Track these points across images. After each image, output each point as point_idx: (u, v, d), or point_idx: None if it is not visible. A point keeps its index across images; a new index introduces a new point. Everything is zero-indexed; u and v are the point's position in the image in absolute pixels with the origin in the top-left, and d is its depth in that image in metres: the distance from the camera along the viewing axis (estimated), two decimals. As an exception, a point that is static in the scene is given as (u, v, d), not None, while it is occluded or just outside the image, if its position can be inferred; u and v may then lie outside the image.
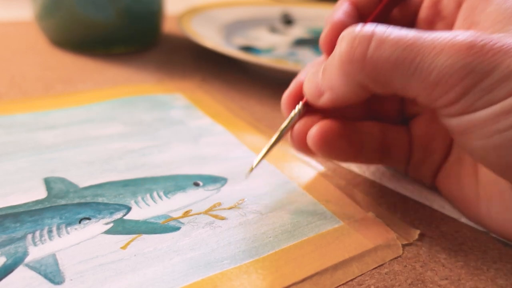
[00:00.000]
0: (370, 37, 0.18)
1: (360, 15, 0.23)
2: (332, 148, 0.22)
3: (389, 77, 0.18)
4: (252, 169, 0.22)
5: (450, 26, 0.22)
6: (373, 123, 0.24)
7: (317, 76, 0.21)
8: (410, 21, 0.24)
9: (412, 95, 0.18)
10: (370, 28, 0.18)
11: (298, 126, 0.22)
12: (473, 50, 0.16)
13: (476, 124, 0.17)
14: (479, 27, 0.19)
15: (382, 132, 0.24)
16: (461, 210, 0.23)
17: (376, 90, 0.19)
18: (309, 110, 0.22)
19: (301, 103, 0.22)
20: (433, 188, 0.24)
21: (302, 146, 0.22)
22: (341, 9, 0.23)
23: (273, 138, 0.22)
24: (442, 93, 0.17)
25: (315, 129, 0.21)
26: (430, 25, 0.23)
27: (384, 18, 0.23)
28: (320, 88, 0.21)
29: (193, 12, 0.49)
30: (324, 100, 0.21)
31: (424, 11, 0.23)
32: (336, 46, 0.19)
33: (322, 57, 0.24)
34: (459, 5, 0.21)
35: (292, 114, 0.22)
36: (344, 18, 0.22)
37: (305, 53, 0.47)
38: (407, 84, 0.18)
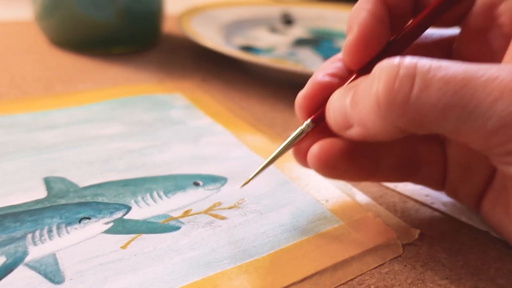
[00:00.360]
0: (412, 76, 0.15)
1: (391, 15, 0.20)
2: (335, 170, 0.20)
3: (436, 123, 0.16)
4: (248, 182, 0.22)
5: (506, 37, 0.19)
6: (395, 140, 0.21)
7: (344, 102, 0.18)
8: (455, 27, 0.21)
9: (462, 141, 0.16)
10: (411, 63, 0.16)
11: (302, 142, 0.20)
12: None
13: None
14: None
15: (408, 147, 0.21)
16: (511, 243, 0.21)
17: (418, 133, 0.17)
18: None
19: (309, 120, 0.20)
20: (478, 214, 0.22)
21: (305, 164, 0.20)
22: (368, 8, 0.19)
23: (274, 154, 0.21)
24: (502, 143, 0.15)
25: (315, 149, 0.19)
26: (480, 33, 0.20)
27: (425, 25, 0.20)
28: (348, 119, 0.18)
29: (193, 12, 0.49)
30: (352, 134, 0.18)
31: (475, 17, 0.20)
32: (371, 79, 0.17)
33: (339, 56, 0.21)
34: None
35: (298, 131, 0.20)
36: (372, 22, 0.19)
37: (305, 53, 0.47)
38: (457, 130, 0.16)
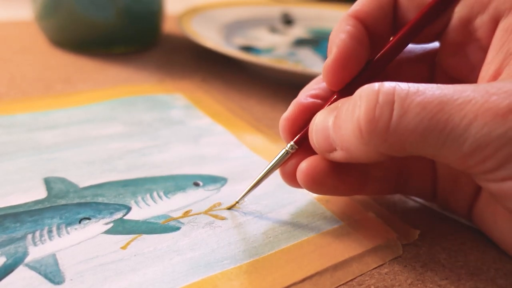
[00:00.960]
0: (391, 103, 0.16)
1: (371, 35, 0.21)
2: (324, 186, 0.20)
3: (416, 148, 0.16)
4: (236, 203, 0.22)
5: (483, 50, 0.19)
6: None
7: (327, 125, 0.18)
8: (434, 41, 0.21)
9: (442, 162, 0.17)
10: (390, 89, 0.16)
11: (289, 161, 0.20)
12: (511, 116, 0.15)
13: None
14: None
15: (397, 162, 0.22)
16: (502, 248, 0.21)
17: (400, 156, 0.17)
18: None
19: (292, 142, 0.20)
20: (470, 221, 0.22)
21: (294, 182, 0.20)
22: (346, 30, 0.20)
23: (259, 176, 0.21)
24: (478, 163, 0.16)
25: (303, 166, 0.19)
26: (459, 47, 0.20)
27: (405, 43, 0.20)
28: (331, 142, 0.18)
29: (193, 12, 0.49)
30: (335, 157, 0.18)
31: (452, 32, 0.20)
32: (352, 105, 0.17)
33: (321, 77, 0.21)
34: (495, 25, 0.18)
35: (282, 152, 0.20)
36: (350, 43, 0.20)
37: (305, 53, 0.47)
38: (436, 153, 0.16)
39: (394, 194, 0.23)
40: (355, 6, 0.21)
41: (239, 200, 0.22)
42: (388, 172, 0.22)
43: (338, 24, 0.21)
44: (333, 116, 0.18)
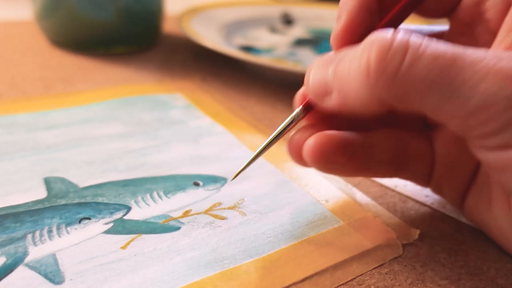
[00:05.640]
0: (405, 50, 0.16)
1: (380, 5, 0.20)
2: (330, 163, 0.19)
3: (420, 98, 0.16)
4: (237, 174, 0.21)
5: (491, 33, 0.19)
6: (387, 133, 0.21)
7: (326, 69, 0.18)
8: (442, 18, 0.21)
9: (443, 119, 0.16)
10: (404, 38, 0.16)
11: (296, 136, 0.20)
12: None
13: None
14: None
15: (399, 143, 0.21)
16: (495, 241, 0.21)
17: (400, 108, 0.17)
18: (312, 115, 0.20)
19: (301, 106, 0.20)
20: (462, 213, 0.22)
21: (300, 159, 0.20)
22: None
23: (265, 143, 0.20)
24: (480, 123, 0.15)
25: (311, 142, 0.19)
26: (467, 27, 0.20)
27: (408, 13, 0.20)
28: (328, 86, 0.18)
29: (193, 12, 0.49)
30: (330, 102, 0.18)
31: (462, 10, 0.20)
32: (362, 49, 0.17)
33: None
34: (507, 8, 0.18)
35: (288, 119, 0.20)
36: (359, 11, 0.19)
37: (305, 53, 0.47)
38: (440, 107, 0.16)
39: (393, 177, 0.23)
40: None
41: (243, 168, 0.21)
42: (390, 153, 0.21)
43: None
44: (335, 63, 0.18)
